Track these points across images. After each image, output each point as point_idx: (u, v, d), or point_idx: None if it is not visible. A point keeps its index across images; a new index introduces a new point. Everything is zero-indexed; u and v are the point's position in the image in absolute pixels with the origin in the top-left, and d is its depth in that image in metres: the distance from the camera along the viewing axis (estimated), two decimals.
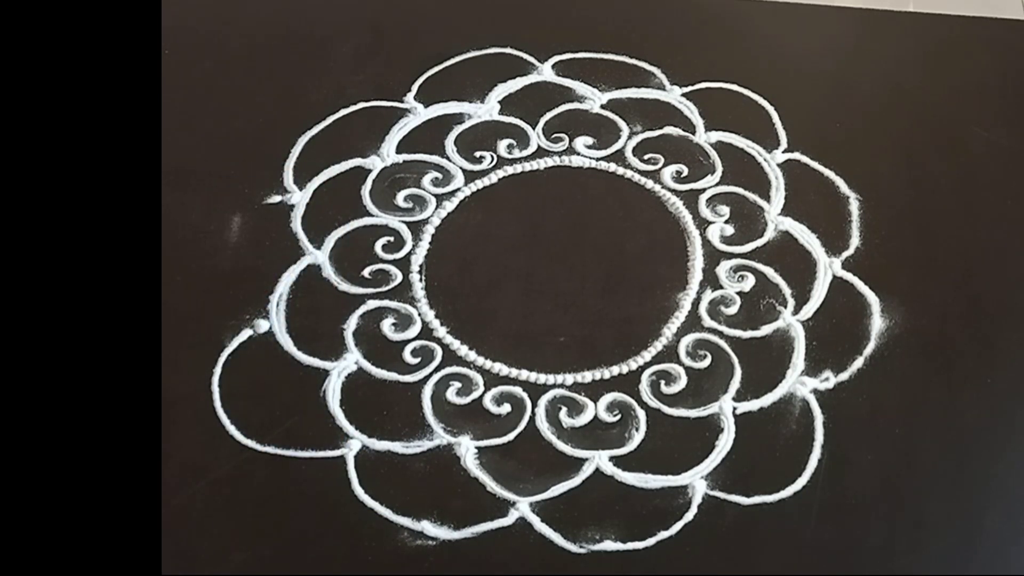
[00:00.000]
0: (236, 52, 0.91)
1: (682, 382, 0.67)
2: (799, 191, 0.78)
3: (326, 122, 0.83)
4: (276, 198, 0.78)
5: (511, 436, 0.64)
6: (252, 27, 0.93)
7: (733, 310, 0.71)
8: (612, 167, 0.81)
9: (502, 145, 0.82)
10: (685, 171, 0.80)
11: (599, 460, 0.63)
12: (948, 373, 0.68)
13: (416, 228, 0.76)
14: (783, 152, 0.81)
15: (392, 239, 0.75)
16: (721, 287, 0.72)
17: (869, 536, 0.60)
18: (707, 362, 0.68)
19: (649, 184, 0.79)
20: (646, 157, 0.81)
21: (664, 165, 0.80)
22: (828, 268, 0.73)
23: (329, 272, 0.73)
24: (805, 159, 0.81)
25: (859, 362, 0.68)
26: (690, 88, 0.87)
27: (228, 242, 0.75)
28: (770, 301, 0.71)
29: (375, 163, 0.81)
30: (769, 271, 0.73)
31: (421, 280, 0.73)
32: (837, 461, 0.63)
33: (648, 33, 0.92)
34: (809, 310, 0.71)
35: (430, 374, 0.68)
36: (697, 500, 0.61)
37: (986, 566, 0.59)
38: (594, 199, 0.79)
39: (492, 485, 0.62)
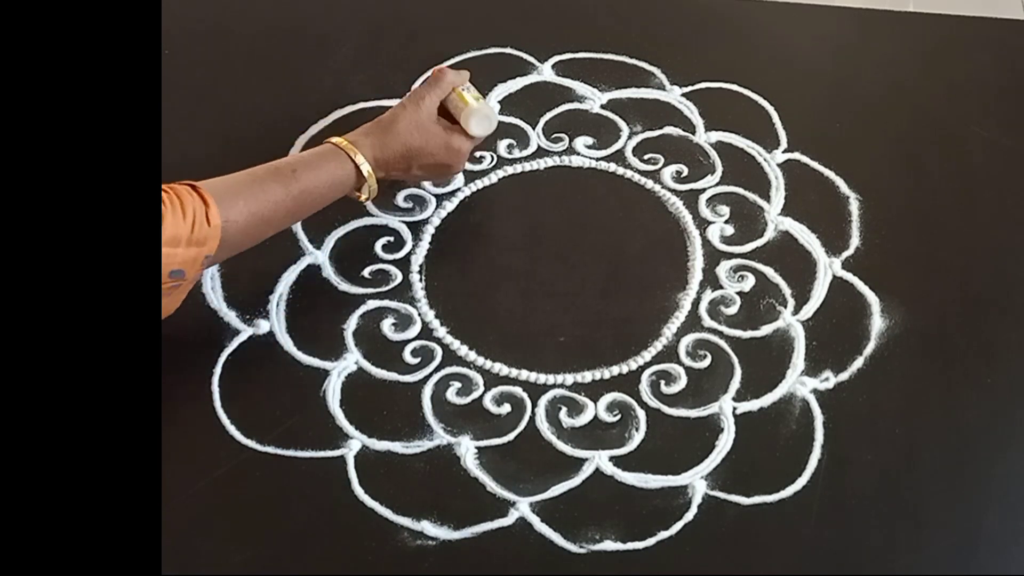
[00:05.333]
0: (236, 52, 0.91)
1: (682, 382, 0.67)
2: (799, 191, 0.78)
3: (326, 121, 0.83)
4: None
5: (511, 436, 0.64)
6: (252, 27, 0.93)
7: (733, 310, 0.71)
8: (612, 167, 0.81)
9: (502, 145, 0.82)
10: (685, 171, 0.80)
11: (599, 460, 0.63)
12: (948, 373, 0.68)
13: (416, 228, 0.76)
14: (783, 152, 0.81)
15: (392, 239, 0.75)
16: (721, 287, 0.72)
17: (869, 536, 0.60)
18: (707, 362, 0.68)
19: (649, 184, 0.79)
20: (646, 157, 0.81)
21: (664, 165, 0.80)
22: (828, 268, 0.73)
23: (329, 272, 0.73)
24: (805, 159, 0.81)
25: (859, 362, 0.68)
26: (690, 88, 0.87)
27: None
28: (770, 301, 0.71)
29: None
30: (769, 271, 0.73)
31: (421, 280, 0.73)
32: (837, 461, 0.63)
33: (648, 33, 0.92)
34: (809, 310, 0.71)
35: (430, 374, 0.67)
36: (697, 500, 0.61)
37: (986, 566, 0.59)
38: (594, 199, 0.79)
39: (492, 485, 0.62)
